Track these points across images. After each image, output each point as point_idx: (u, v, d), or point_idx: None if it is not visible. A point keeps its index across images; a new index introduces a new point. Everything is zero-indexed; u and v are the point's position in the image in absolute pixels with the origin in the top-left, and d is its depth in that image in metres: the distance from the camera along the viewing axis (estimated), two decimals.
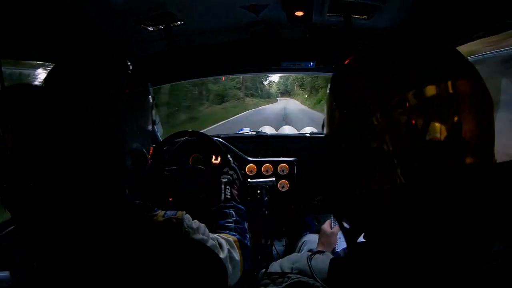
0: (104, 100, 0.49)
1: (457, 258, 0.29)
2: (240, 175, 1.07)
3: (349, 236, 0.38)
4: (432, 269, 0.29)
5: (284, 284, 0.40)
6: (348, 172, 0.37)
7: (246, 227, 0.81)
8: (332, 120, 0.39)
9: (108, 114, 0.49)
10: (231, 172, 1.02)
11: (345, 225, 0.37)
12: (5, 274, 0.56)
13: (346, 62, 0.39)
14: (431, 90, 0.31)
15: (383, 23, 0.92)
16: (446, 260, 0.29)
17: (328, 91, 0.40)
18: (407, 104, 0.31)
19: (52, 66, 0.52)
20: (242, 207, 0.87)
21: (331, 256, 0.42)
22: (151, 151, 0.61)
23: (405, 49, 0.35)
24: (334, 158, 0.39)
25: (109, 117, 0.49)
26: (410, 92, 0.31)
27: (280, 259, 0.47)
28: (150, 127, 0.60)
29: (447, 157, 0.31)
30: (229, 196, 0.90)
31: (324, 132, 0.41)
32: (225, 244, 0.63)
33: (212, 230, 0.65)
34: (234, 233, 0.73)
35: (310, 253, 0.45)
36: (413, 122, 0.31)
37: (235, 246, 0.67)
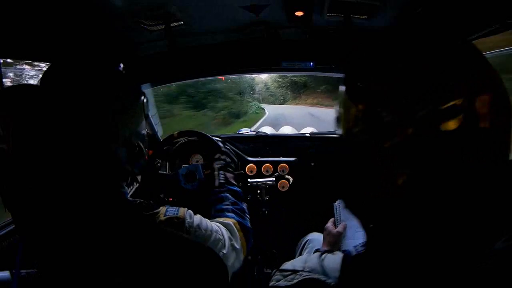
0: (98, 98, 0.49)
1: (461, 256, 0.29)
2: (234, 157, 1.07)
3: (370, 235, 0.38)
4: (441, 266, 0.30)
5: (295, 281, 0.40)
6: (370, 170, 0.36)
7: (245, 207, 0.80)
8: (350, 118, 0.38)
9: (103, 112, 0.49)
10: (222, 157, 1.01)
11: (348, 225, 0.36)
12: (5, 274, 0.56)
13: (358, 59, 0.38)
14: (448, 87, 0.31)
15: (383, 22, 0.92)
16: (453, 257, 0.29)
17: (343, 90, 0.39)
18: (425, 102, 0.31)
19: (49, 66, 0.52)
20: (237, 189, 0.86)
21: (342, 255, 0.42)
22: (150, 152, 0.61)
23: (422, 45, 0.35)
24: (354, 157, 0.38)
25: (104, 114, 0.50)
26: (427, 90, 0.31)
27: (293, 259, 0.47)
28: (143, 121, 0.60)
29: (462, 154, 0.30)
30: (223, 181, 0.89)
31: (340, 131, 0.40)
32: (226, 232, 0.63)
33: (210, 217, 0.65)
34: (233, 215, 0.73)
35: (320, 253, 0.46)
36: (431, 118, 0.30)
37: (235, 229, 0.66)
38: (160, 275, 0.48)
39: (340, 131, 0.40)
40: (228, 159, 1.02)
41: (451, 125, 0.30)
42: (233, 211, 0.75)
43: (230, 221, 0.68)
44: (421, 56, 0.33)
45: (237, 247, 0.63)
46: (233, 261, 0.61)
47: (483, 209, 0.29)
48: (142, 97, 0.60)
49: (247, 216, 0.77)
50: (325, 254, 0.45)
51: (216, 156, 1.02)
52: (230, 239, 0.63)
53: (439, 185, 0.31)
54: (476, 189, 0.30)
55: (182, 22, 0.94)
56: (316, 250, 0.72)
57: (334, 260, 0.42)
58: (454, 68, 0.32)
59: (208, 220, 0.62)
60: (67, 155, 0.46)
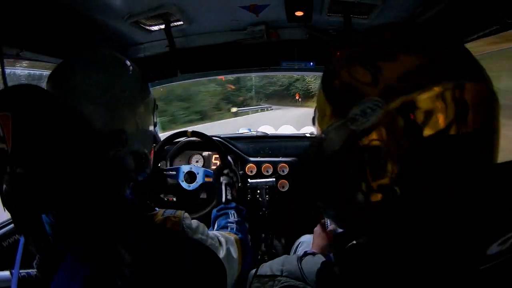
0: (105, 100, 0.49)
1: (452, 261, 0.28)
2: (239, 177, 1.08)
3: (340, 240, 0.37)
4: (426, 272, 0.29)
5: None
6: (344, 173, 0.35)
7: (247, 226, 0.81)
8: (324, 118, 0.36)
9: (109, 115, 0.49)
10: (231, 174, 1.02)
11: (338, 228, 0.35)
12: (5, 274, 0.56)
13: (338, 55, 0.37)
14: (432, 89, 0.29)
15: (382, 22, 0.92)
16: (441, 262, 0.29)
17: (320, 88, 0.38)
18: (406, 101, 0.29)
19: (54, 67, 0.52)
20: (243, 208, 0.88)
21: (323, 259, 0.41)
22: (152, 153, 0.61)
23: (409, 43, 0.33)
24: (328, 159, 0.36)
25: (110, 118, 0.49)
26: (411, 91, 0.29)
27: (270, 261, 0.46)
28: (151, 128, 0.60)
29: (447, 156, 0.29)
30: (230, 197, 0.90)
31: (315, 131, 0.39)
32: (224, 242, 0.63)
33: (213, 230, 0.65)
34: (237, 232, 0.73)
35: (301, 254, 0.45)
36: (412, 118, 0.29)
37: (235, 244, 0.66)
38: (158, 274, 0.48)
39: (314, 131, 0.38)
40: (235, 178, 1.03)
41: (432, 125, 0.29)
42: (237, 229, 0.76)
43: (232, 236, 0.69)
44: (400, 53, 0.31)
45: (234, 257, 0.63)
46: (229, 271, 0.60)
47: (476, 212, 0.29)
48: (150, 98, 0.59)
49: (248, 236, 0.78)
50: (305, 256, 0.44)
51: (225, 172, 1.02)
52: (228, 249, 0.62)
53: (424, 189, 0.30)
54: (465, 191, 0.29)
55: (182, 22, 0.94)
56: (305, 253, 0.71)
57: (313, 262, 0.41)
58: (444, 71, 0.30)
59: (206, 227, 0.62)
60: (68, 155, 0.46)
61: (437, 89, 0.29)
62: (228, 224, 0.77)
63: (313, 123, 0.40)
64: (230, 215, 0.81)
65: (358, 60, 0.33)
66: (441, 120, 0.29)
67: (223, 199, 0.89)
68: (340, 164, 0.34)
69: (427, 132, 0.29)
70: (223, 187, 0.93)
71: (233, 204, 0.87)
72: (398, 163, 0.30)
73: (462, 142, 0.30)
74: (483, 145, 0.31)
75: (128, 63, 0.57)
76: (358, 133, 0.31)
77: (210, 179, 1.10)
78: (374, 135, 0.30)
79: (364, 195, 0.32)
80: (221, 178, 0.98)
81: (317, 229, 0.87)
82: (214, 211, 0.85)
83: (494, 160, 0.32)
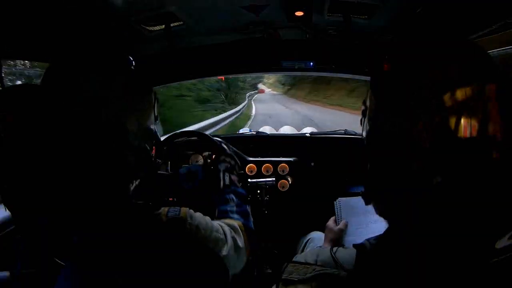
0: (105, 98, 0.49)
1: (463, 254, 0.29)
2: (237, 160, 1.07)
3: (391, 226, 0.39)
4: (448, 263, 0.30)
5: (308, 275, 0.40)
6: (390, 167, 0.37)
7: (249, 210, 0.80)
8: (374, 121, 0.39)
9: (110, 113, 0.49)
10: (227, 159, 1.01)
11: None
12: (5, 274, 0.56)
13: (385, 65, 0.39)
14: (464, 91, 0.31)
15: (382, 23, 0.92)
16: (452, 255, 0.30)
17: (369, 93, 0.41)
18: (442, 105, 0.31)
19: (50, 66, 0.51)
20: (242, 191, 0.87)
21: (354, 250, 0.42)
22: (153, 151, 0.61)
23: (438, 51, 0.36)
24: (377, 158, 0.39)
25: (111, 115, 0.49)
26: (444, 94, 0.31)
27: (303, 252, 0.46)
28: (152, 126, 0.60)
29: (475, 155, 0.31)
30: (228, 183, 0.89)
31: (364, 133, 0.41)
32: (229, 232, 0.63)
33: (214, 218, 0.65)
34: (238, 216, 0.73)
35: (330, 247, 0.46)
36: (447, 121, 0.31)
37: (239, 231, 0.66)
38: (161, 275, 0.48)
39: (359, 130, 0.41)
40: (232, 162, 1.02)
41: (469, 127, 0.31)
42: (238, 213, 0.75)
43: (235, 222, 0.69)
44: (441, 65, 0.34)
45: (241, 246, 0.63)
46: (235, 262, 0.61)
47: (486, 207, 0.29)
48: (152, 96, 0.59)
49: (251, 218, 0.77)
50: (336, 248, 0.45)
51: (221, 158, 1.02)
52: (234, 238, 0.62)
53: (456, 184, 0.31)
54: (487, 187, 0.30)
55: (182, 22, 0.94)
56: (319, 248, 0.72)
57: (347, 252, 0.42)
58: (471, 76, 0.32)
59: (209, 219, 0.62)
60: (72, 154, 0.46)
61: (469, 92, 0.31)
62: (228, 208, 0.76)
63: (363, 116, 0.42)
64: (230, 200, 0.80)
65: (405, 73, 0.36)
66: (474, 121, 0.31)
67: (221, 185, 0.88)
68: (392, 151, 0.36)
69: (461, 133, 0.31)
70: (221, 173, 0.92)
71: (232, 188, 0.86)
72: (430, 159, 0.32)
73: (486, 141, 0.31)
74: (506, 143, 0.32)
75: (128, 60, 0.57)
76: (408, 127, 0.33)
77: (211, 173, 1.10)
78: (418, 136, 0.32)
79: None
80: (219, 166, 0.97)
81: (330, 224, 0.87)
82: (215, 197, 0.84)
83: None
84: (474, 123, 0.30)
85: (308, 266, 0.41)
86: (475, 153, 0.31)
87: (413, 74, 0.35)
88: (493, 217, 0.29)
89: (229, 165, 0.99)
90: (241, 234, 0.66)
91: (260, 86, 34.09)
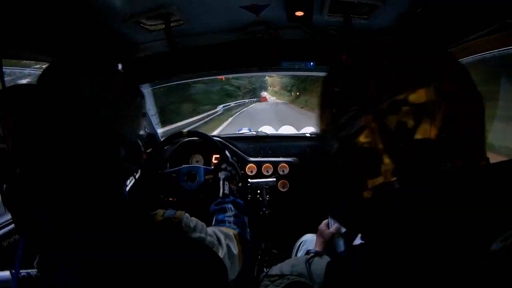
0: (100, 99, 0.49)
1: (454, 258, 0.29)
2: (239, 170, 1.08)
3: (346, 239, 0.38)
4: (429, 270, 0.29)
5: (282, 285, 0.40)
6: (343, 172, 0.37)
7: (246, 221, 0.81)
8: (324, 119, 0.39)
9: (105, 113, 0.49)
10: (229, 168, 1.02)
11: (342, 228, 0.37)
12: (5, 274, 0.56)
13: (340, 61, 0.39)
14: (420, 92, 0.32)
15: (382, 23, 0.92)
16: (443, 260, 0.29)
17: (321, 90, 0.40)
18: (397, 105, 0.32)
19: (46, 66, 0.52)
20: (240, 202, 0.87)
21: (328, 260, 0.42)
22: (145, 155, 0.61)
23: (396, 50, 0.36)
24: (328, 158, 0.39)
25: (103, 115, 0.50)
26: (400, 93, 0.32)
27: (280, 263, 0.47)
28: (141, 126, 0.60)
29: (437, 156, 0.31)
30: (227, 192, 0.90)
31: (317, 131, 0.41)
32: (223, 238, 0.63)
33: (210, 224, 0.65)
34: (235, 227, 0.73)
35: (308, 256, 0.46)
36: (403, 122, 0.31)
37: (234, 239, 0.67)
38: (158, 274, 0.48)
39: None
40: (233, 171, 1.03)
41: (426, 129, 0.31)
42: (234, 223, 0.75)
43: (230, 231, 0.69)
44: (397, 64, 0.34)
45: (235, 253, 0.63)
46: (229, 269, 0.60)
47: (478, 210, 0.29)
48: (139, 97, 0.60)
49: (247, 230, 0.78)
50: (312, 258, 0.45)
51: (223, 166, 1.02)
52: (228, 246, 0.62)
53: (416, 188, 0.31)
54: (464, 189, 0.30)
55: (182, 22, 0.94)
56: (308, 251, 0.72)
57: (320, 264, 0.42)
58: (428, 76, 0.32)
59: (205, 225, 0.62)
60: (66, 154, 0.46)
61: (414, 94, 0.32)
62: (226, 219, 0.77)
63: (315, 123, 0.42)
64: (227, 210, 0.80)
65: (352, 72, 0.37)
66: (426, 120, 0.31)
67: (221, 194, 0.89)
68: (340, 162, 0.36)
69: (415, 133, 0.31)
70: (221, 182, 0.93)
71: (231, 198, 0.86)
72: (392, 161, 0.32)
73: (448, 139, 0.31)
74: (472, 140, 0.33)
75: (119, 65, 0.57)
76: (351, 134, 0.34)
77: (210, 176, 1.10)
78: (363, 136, 0.33)
79: (362, 192, 0.34)
80: (219, 174, 0.98)
81: (321, 227, 0.87)
82: (212, 206, 0.84)
83: (485, 154, 0.34)
84: (431, 124, 0.31)
85: (283, 277, 0.42)
86: (429, 154, 0.31)
87: (367, 71, 0.35)
88: (484, 220, 0.29)
89: (229, 174, 0.99)
90: (235, 242, 0.66)
91: (264, 94, 30.91)
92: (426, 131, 0.31)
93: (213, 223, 0.78)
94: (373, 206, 0.34)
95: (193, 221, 0.59)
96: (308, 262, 0.44)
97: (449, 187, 0.30)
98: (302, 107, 16.55)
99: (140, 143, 0.57)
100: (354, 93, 0.34)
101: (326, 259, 0.43)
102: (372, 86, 0.33)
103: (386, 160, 0.32)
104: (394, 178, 0.32)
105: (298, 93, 21.99)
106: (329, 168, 0.39)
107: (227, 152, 1.13)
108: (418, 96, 0.31)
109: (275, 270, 0.45)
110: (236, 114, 14.32)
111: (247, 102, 21.38)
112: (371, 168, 0.33)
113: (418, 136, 0.31)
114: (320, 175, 0.40)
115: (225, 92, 17.39)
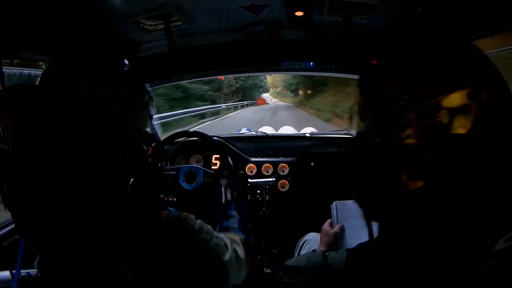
0: (102, 98, 0.49)
1: (458, 258, 0.29)
2: (239, 179, 1.09)
3: (378, 233, 0.39)
4: (433, 269, 0.29)
5: (299, 279, 0.40)
6: (380, 167, 0.37)
7: (250, 226, 0.82)
8: (364, 118, 0.39)
9: (105, 113, 0.49)
10: (230, 176, 1.03)
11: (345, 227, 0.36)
12: (5, 274, 0.56)
13: (374, 63, 0.40)
14: (459, 93, 0.31)
15: (383, 22, 0.92)
16: (448, 260, 0.29)
17: (359, 91, 0.41)
18: (435, 105, 0.32)
19: (47, 66, 0.52)
20: (242, 208, 0.88)
21: (346, 254, 0.42)
22: (149, 151, 0.61)
23: (430, 51, 0.37)
24: (367, 155, 0.39)
25: (107, 115, 0.49)
26: (439, 95, 0.32)
27: (296, 256, 0.47)
28: (147, 126, 0.60)
29: (471, 153, 0.31)
30: (230, 199, 0.91)
31: (353, 131, 0.41)
32: (229, 242, 0.63)
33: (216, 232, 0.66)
34: (240, 233, 0.74)
35: (323, 251, 0.46)
36: (439, 119, 0.31)
37: (241, 244, 0.67)
38: (161, 275, 0.48)
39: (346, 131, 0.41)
40: (235, 178, 1.04)
41: (460, 125, 0.31)
42: (240, 229, 0.76)
43: (236, 236, 0.69)
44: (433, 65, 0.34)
45: (242, 257, 0.63)
46: (236, 272, 0.60)
47: (486, 209, 0.29)
48: (147, 96, 0.60)
49: (252, 235, 0.79)
50: (328, 252, 0.45)
51: (224, 173, 1.03)
52: (235, 249, 0.62)
53: (450, 186, 0.31)
54: (482, 188, 0.30)
55: (182, 22, 0.94)
56: (313, 251, 0.72)
57: (339, 257, 0.42)
58: (466, 77, 0.32)
59: (211, 227, 0.62)
60: (67, 154, 0.46)
61: (455, 95, 0.31)
62: (231, 226, 0.78)
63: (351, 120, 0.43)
64: (232, 217, 0.81)
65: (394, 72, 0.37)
66: (463, 119, 0.31)
67: (224, 201, 0.90)
68: (378, 155, 0.36)
69: (453, 130, 0.31)
70: (223, 189, 0.93)
71: (233, 205, 0.87)
72: (423, 158, 0.32)
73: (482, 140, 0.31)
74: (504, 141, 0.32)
75: (124, 63, 0.57)
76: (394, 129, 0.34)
77: (210, 179, 1.11)
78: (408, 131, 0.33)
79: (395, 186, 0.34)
80: (221, 181, 0.99)
81: (325, 227, 0.87)
82: (215, 213, 0.85)
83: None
84: (465, 124, 0.30)
85: (300, 270, 0.42)
86: (467, 153, 0.31)
87: (402, 75, 0.35)
88: (489, 219, 0.29)
89: (231, 182, 1.00)
90: (241, 246, 0.66)
91: (263, 95, 28.42)
92: (465, 128, 0.31)
93: (217, 229, 0.78)
94: (405, 200, 0.34)
95: (198, 222, 0.58)
96: (325, 256, 0.45)
97: (474, 183, 0.30)
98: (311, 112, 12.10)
99: (144, 146, 0.57)
100: (394, 94, 0.35)
101: (343, 252, 0.44)
102: (413, 87, 0.33)
103: (426, 155, 0.32)
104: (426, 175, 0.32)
105: (307, 92, 16.70)
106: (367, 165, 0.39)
107: (229, 159, 1.13)
108: (456, 97, 0.31)
109: (291, 262, 0.46)
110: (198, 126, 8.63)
111: (232, 108, 15.26)
112: (411, 163, 0.33)
113: (457, 131, 0.31)
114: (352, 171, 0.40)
115: (191, 93, 11.40)
